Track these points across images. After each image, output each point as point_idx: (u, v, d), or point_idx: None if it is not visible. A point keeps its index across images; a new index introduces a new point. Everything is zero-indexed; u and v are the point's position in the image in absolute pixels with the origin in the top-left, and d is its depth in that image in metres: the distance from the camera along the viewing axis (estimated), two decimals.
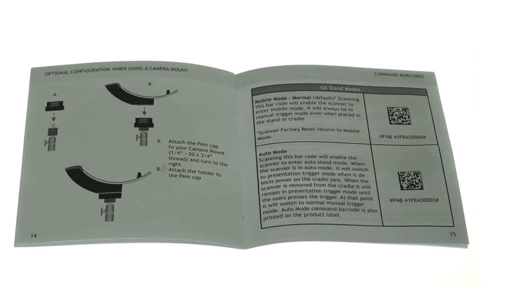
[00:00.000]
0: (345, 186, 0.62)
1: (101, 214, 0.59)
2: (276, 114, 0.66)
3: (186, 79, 0.68)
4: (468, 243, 0.61)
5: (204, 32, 0.73)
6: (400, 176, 0.64)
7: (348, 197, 0.62)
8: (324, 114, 0.67)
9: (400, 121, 0.67)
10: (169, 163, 0.62)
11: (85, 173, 0.61)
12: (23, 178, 0.60)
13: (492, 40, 0.71)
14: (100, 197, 0.59)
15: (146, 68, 0.68)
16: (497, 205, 0.64)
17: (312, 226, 0.60)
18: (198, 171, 0.62)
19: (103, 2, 0.74)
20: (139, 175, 0.61)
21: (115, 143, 0.63)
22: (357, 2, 0.76)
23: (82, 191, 0.60)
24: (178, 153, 0.63)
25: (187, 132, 0.64)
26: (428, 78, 0.70)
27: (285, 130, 0.65)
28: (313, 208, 0.61)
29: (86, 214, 0.58)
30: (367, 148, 0.65)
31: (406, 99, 0.69)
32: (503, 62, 0.70)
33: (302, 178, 0.62)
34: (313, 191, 0.62)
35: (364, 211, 0.61)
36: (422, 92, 0.69)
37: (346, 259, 0.61)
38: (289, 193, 0.62)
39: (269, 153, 0.64)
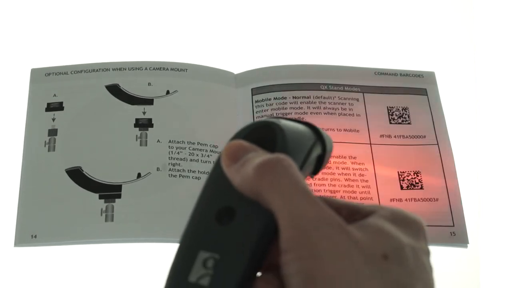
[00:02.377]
0: (345, 186, 0.62)
1: (101, 215, 0.59)
2: (276, 114, 0.66)
3: (186, 79, 0.67)
4: (468, 243, 0.61)
5: (204, 32, 0.73)
6: (400, 176, 0.64)
7: (347, 196, 0.62)
8: (324, 114, 0.67)
9: (400, 121, 0.67)
10: (169, 163, 0.62)
11: (85, 173, 0.61)
12: (23, 179, 0.60)
13: (492, 40, 0.71)
14: (100, 197, 0.59)
15: (145, 69, 0.68)
16: (497, 205, 0.64)
17: None
18: (198, 171, 0.62)
19: (103, 3, 0.74)
20: (139, 175, 0.61)
21: (115, 144, 0.63)
22: (357, 2, 0.76)
23: (82, 191, 0.60)
24: (178, 153, 0.63)
25: (186, 132, 0.64)
26: (428, 78, 0.70)
27: None
28: None
29: (86, 215, 0.58)
30: (367, 148, 0.65)
31: (406, 99, 0.68)
32: (503, 62, 0.70)
33: None
34: (313, 191, 0.62)
35: None
36: (422, 92, 0.69)
37: None
38: None
39: None
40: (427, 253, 0.38)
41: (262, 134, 0.41)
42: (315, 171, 0.44)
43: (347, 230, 0.35)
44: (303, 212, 0.35)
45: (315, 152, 0.43)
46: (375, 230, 0.36)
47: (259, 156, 0.38)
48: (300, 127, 0.43)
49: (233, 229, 0.37)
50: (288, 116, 0.64)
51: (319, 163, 0.44)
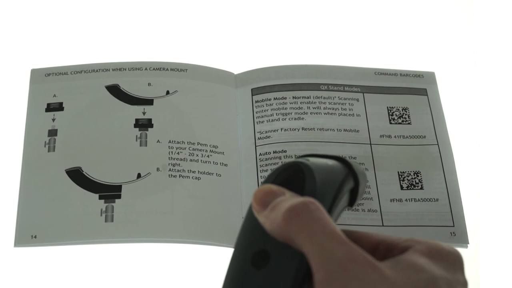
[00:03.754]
0: None
1: (101, 215, 0.59)
2: (276, 114, 0.66)
3: (186, 80, 0.67)
4: (468, 243, 0.61)
5: (204, 32, 0.73)
6: (400, 176, 0.63)
7: None
8: (324, 114, 0.67)
9: (400, 121, 0.67)
10: (168, 164, 0.62)
11: (85, 174, 0.61)
12: (23, 179, 0.60)
13: (492, 40, 0.71)
14: (100, 198, 0.59)
15: (145, 69, 0.68)
16: (497, 205, 0.64)
17: None
18: (198, 171, 0.62)
19: (103, 3, 0.74)
20: (138, 175, 0.61)
21: (115, 144, 0.63)
22: (358, 2, 0.76)
23: (82, 192, 0.60)
24: (178, 153, 0.63)
25: (186, 133, 0.64)
26: (428, 78, 0.70)
27: (285, 130, 0.65)
28: None
29: (86, 215, 0.58)
30: (367, 148, 0.65)
31: (406, 99, 0.68)
32: (503, 62, 0.70)
33: None
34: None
35: (364, 211, 0.61)
36: (422, 92, 0.69)
37: None
38: None
39: (269, 153, 0.64)
40: (464, 284, 0.38)
41: (291, 174, 0.42)
42: (351, 203, 0.45)
43: (377, 268, 0.36)
44: (331, 253, 0.36)
45: (346, 186, 0.44)
46: (407, 265, 0.37)
47: (286, 200, 0.39)
48: (330, 162, 0.44)
49: (268, 272, 0.38)
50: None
51: (354, 195, 0.45)
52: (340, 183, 0.43)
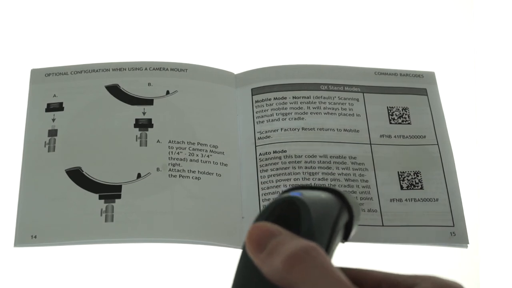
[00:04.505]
0: (345, 186, 0.62)
1: (101, 215, 0.59)
2: (276, 114, 0.66)
3: (186, 79, 0.67)
4: (468, 243, 0.61)
5: (204, 32, 0.73)
6: (400, 176, 0.63)
7: None
8: (324, 114, 0.67)
9: (400, 121, 0.67)
10: (168, 164, 0.62)
11: (85, 174, 0.61)
12: (23, 179, 0.60)
13: (492, 40, 0.71)
14: (100, 198, 0.59)
15: (145, 69, 0.68)
16: (497, 205, 0.64)
17: None
18: (198, 171, 0.62)
19: (103, 3, 0.74)
20: (138, 175, 0.61)
21: (115, 144, 0.63)
22: (358, 2, 0.76)
23: (82, 192, 0.60)
24: (178, 153, 0.63)
25: (186, 133, 0.64)
26: (428, 77, 0.70)
27: (285, 130, 0.65)
28: None
29: (86, 215, 0.58)
30: (367, 148, 0.65)
31: (406, 99, 0.68)
32: (503, 62, 0.70)
33: (302, 178, 0.62)
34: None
35: (364, 211, 0.61)
36: (422, 91, 0.69)
37: (345, 259, 0.61)
38: None
39: (269, 153, 0.64)
40: None
41: (286, 210, 0.41)
42: (345, 237, 0.44)
43: None
44: None
45: (342, 220, 0.43)
46: None
47: (285, 244, 0.37)
48: (323, 196, 0.43)
49: None
50: (288, 117, 0.63)
51: (349, 229, 0.44)
52: (336, 218, 0.42)
